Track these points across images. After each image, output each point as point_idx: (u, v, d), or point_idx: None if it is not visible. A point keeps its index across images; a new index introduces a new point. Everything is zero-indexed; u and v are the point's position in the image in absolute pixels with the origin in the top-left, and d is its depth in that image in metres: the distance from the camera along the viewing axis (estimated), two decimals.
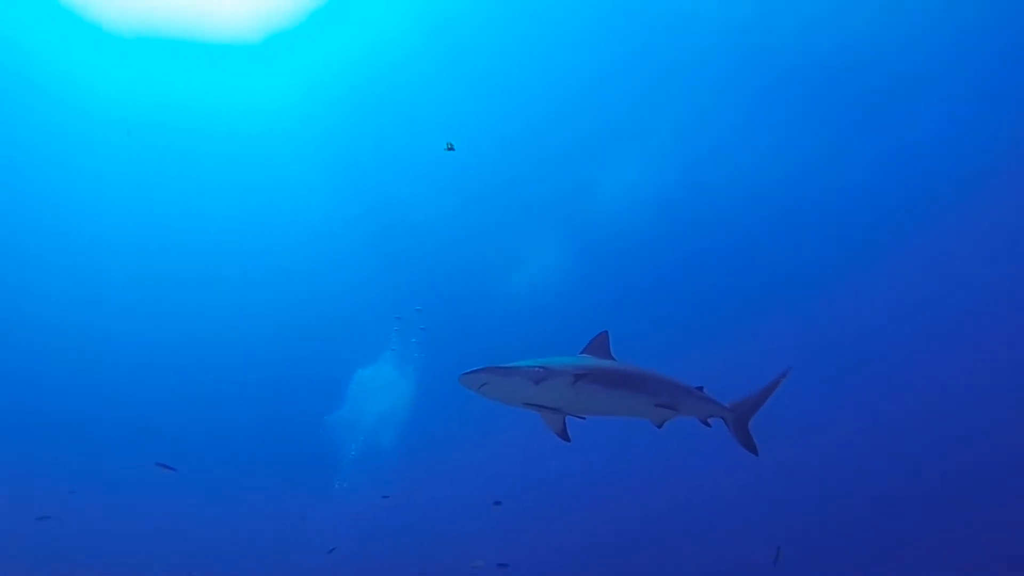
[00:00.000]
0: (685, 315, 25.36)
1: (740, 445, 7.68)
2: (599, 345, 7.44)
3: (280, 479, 23.52)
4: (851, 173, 23.11)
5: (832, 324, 24.45)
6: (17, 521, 19.68)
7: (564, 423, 7.05)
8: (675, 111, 21.91)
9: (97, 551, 20.94)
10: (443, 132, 22.45)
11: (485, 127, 22.59)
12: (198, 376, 25.89)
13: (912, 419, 23.87)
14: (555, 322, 22.43)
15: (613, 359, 7.37)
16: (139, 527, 22.04)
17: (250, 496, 23.70)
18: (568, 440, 7.10)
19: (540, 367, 6.62)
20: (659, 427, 7.41)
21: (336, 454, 22.09)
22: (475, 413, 18.74)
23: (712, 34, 20.20)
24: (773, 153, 22.56)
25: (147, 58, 20.11)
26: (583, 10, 20.30)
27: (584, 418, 6.98)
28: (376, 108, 22.15)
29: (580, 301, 23.84)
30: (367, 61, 20.76)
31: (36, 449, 24.24)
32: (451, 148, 15.71)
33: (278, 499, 23.15)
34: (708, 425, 7.66)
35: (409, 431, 21.66)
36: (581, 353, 7.40)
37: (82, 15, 18.81)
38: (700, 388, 7.62)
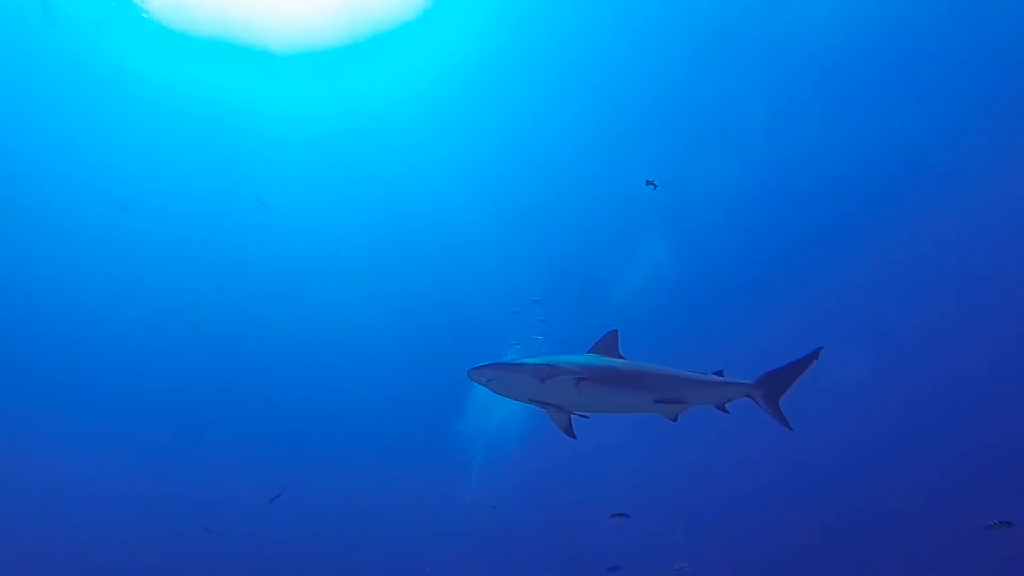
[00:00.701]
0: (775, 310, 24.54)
1: (773, 419, 7.39)
2: (608, 343, 7.46)
3: (405, 486, 24.81)
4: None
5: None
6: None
7: (570, 421, 7.16)
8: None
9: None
10: (554, 129, 22.53)
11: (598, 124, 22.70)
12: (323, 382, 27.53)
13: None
14: (664, 315, 22.49)
15: (621, 357, 7.38)
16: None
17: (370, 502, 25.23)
18: (574, 437, 7.19)
19: (544, 365, 6.83)
20: (673, 421, 7.32)
21: (463, 464, 23.10)
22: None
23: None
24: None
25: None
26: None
27: (587, 416, 7.08)
28: (486, 106, 21.99)
29: (684, 296, 23.54)
30: (474, 56, 20.55)
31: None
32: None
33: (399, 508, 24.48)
34: (725, 411, 7.44)
35: (531, 438, 21.90)
36: (589, 351, 7.47)
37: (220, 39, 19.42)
38: (719, 372, 7.45)
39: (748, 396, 7.43)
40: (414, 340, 26.42)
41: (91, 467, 25.94)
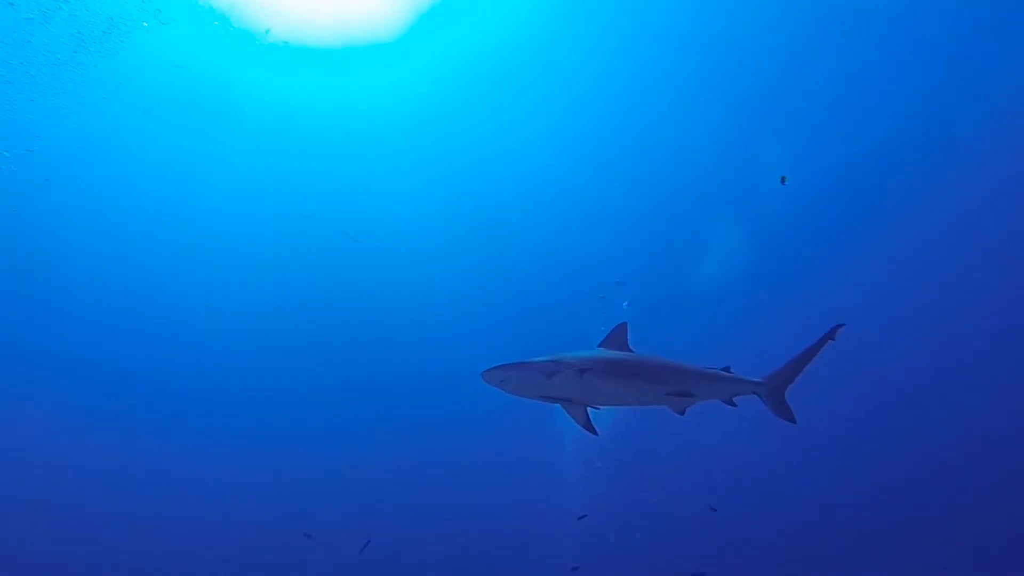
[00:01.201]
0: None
1: (777, 416, 7.37)
2: (617, 337, 7.57)
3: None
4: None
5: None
6: None
7: (587, 415, 7.31)
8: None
9: None
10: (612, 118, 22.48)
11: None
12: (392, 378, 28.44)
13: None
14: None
15: (630, 351, 7.48)
16: None
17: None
18: (594, 433, 7.31)
19: (552, 361, 7.05)
20: (681, 415, 7.35)
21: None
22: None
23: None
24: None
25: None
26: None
27: (600, 408, 7.22)
28: (556, 94, 22.12)
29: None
30: (544, 42, 20.45)
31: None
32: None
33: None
34: (733, 404, 7.40)
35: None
36: (599, 345, 7.59)
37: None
38: (727, 368, 7.41)
39: (754, 393, 7.41)
40: (507, 330, 26.61)
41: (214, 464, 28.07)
